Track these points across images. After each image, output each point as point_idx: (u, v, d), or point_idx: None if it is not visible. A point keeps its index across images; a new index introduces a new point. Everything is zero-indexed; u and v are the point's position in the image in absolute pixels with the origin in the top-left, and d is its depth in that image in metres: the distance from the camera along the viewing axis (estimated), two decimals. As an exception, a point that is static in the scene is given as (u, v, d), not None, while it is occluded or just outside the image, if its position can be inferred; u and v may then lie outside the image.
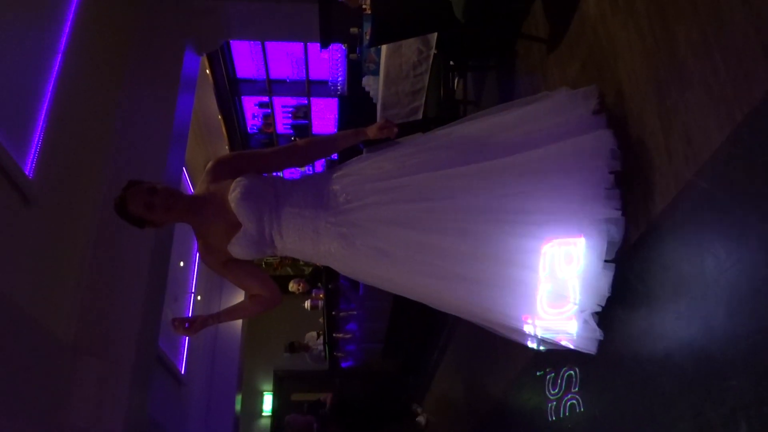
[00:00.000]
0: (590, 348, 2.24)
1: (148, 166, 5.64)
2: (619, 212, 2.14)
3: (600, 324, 2.21)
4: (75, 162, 5.14)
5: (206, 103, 9.11)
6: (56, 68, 4.87)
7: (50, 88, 4.78)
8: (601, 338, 2.22)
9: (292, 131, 10.26)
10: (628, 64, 2.29)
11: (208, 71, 8.63)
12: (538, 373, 3.17)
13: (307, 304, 8.90)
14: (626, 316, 2.23)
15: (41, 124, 4.64)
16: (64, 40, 4.99)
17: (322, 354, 8.68)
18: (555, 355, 2.88)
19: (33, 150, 4.53)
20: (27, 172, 4.41)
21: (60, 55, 4.92)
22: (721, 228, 1.74)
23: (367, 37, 4.54)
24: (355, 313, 7.73)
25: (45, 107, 4.71)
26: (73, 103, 5.07)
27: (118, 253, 5.22)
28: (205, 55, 7.92)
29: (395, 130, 2.37)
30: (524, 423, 3.68)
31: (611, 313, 2.21)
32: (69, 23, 5.06)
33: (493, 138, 2.32)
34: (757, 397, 1.57)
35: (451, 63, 4.17)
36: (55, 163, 4.76)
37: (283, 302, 2.59)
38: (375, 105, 5.05)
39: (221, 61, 8.68)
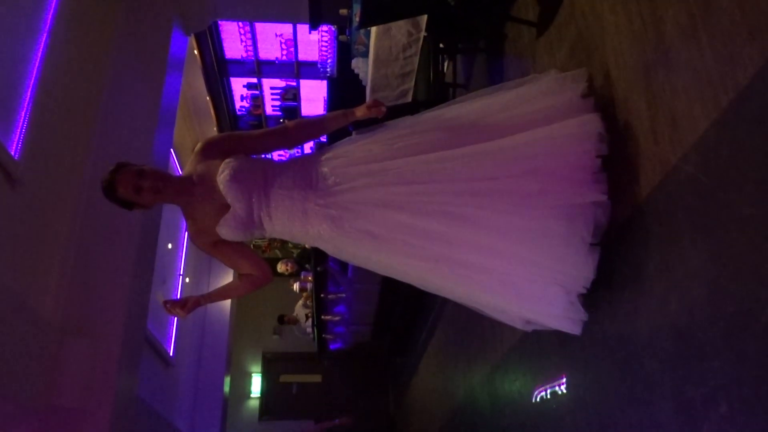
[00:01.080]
0: (575, 329, 2.28)
1: (135, 148, 5.60)
2: (606, 196, 2.16)
3: (585, 305, 2.24)
4: (61, 143, 5.09)
5: (194, 84, 9.03)
6: (41, 48, 4.80)
7: (35, 68, 4.72)
8: (586, 319, 2.26)
9: (281, 113, 10.21)
10: (617, 48, 2.30)
11: (196, 51, 8.54)
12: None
13: (296, 286, 8.95)
14: (611, 297, 2.26)
15: (27, 104, 4.58)
16: (49, 18, 4.92)
17: (310, 328, 8.77)
18: (540, 337, 2.92)
19: (18, 131, 4.48)
20: (12, 153, 4.37)
21: (45, 35, 4.85)
22: (704, 212, 1.77)
23: (357, 19, 4.51)
24: (343, 295, 7.77)
25: (30, 87, 4.65)
26: (59, 84, 5.01)
27: (105, 234, 5.20)
28: (192, 35, 7.83)
29: (383, 109, 2.37)
30: (510, 403, 3.73)
31: (596, 294, 2.24)
32: (54, 1, 4.99)
33: (482, 121, 2.33)
34: (737, 377, 1.61)
35: (441, 45, 4.15)
36: (41, 144, 4.72)
37: (271, 283, 2.60)
38: (364, 87, 5.03)
39: (209, 42, 8.59)
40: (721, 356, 1.66)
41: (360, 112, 2.36)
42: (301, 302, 9.33)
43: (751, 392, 1.55)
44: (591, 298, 2.23)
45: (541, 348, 3.08)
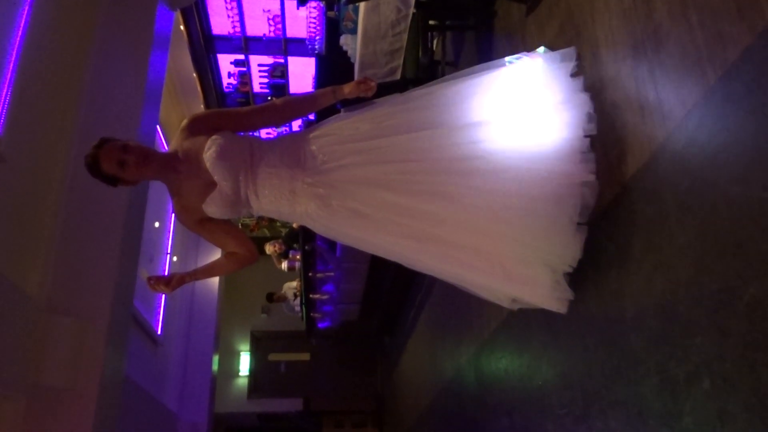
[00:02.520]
0: (561, 308, 2.29)
1: (121, 124, 5.52)
2: (594, 176, 2.16)
3: (571, 284, 2.25)
4: (45, 120, 5.02)
5: (181, 60, 8.91)
6: (23, 22, 4.70)
7: (17, 43, 4.62)
8: (572, 298, 2.27)
9: (269, 90, 10.11)
10: (606, 25, 2.28)
11: (182, 27, 8.42)
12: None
13: (284, 265, 8.95)
14: (597, 276, 2.28)
15: (9, 81, 4.50)
16: (30, -8, 4.82)
17: (298, 307, 8.82)
18: (526, 316, 2.94)
19: (1, 108, 4.41)
20: (-5, 130, 4.31)
21: (27, 8, 4.75)
22: (691, 190, 1.77)
23: (346, -5, 4.46)
24: (332, 274, 7.78)
25: (12, 63, 4.56)
26: (42, 59, 4.92)
27: (91, 211, 5.14)
28: (178, 10, 7.70)
29: (373, 87, 2.35)
30: (496, 380, 3.77)
31: (583, 273, 2.25)
32: (36, -26, 4.87)
33: (471, 100, 2.31)
34: (720, 354, 1.62)
35: (430, 23, 4.12)
36: (25, 121, 4.64)
37: (259, 262, 2.59)
38: (353, 65, 4.98)
39: (196, 17, 8.46)
40: (705, 333, 1.68)
41: (348, 89, 2.34)
42: (294, 284, 9.36)
43: (733, 368, 1.57)
44: (577, 277, 2.25)
45: (527, 326, 3.10)
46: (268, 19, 9.01)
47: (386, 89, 3.61)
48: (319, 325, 8.75)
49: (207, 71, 9.39)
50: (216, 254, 10.40)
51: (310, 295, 7.90)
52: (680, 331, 1.79)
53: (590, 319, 2.35)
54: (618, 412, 2.16)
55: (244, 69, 9.78)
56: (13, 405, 4.50)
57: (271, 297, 9.72)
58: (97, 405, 4.72)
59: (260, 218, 11.21)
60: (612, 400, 2.20)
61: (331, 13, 6.52)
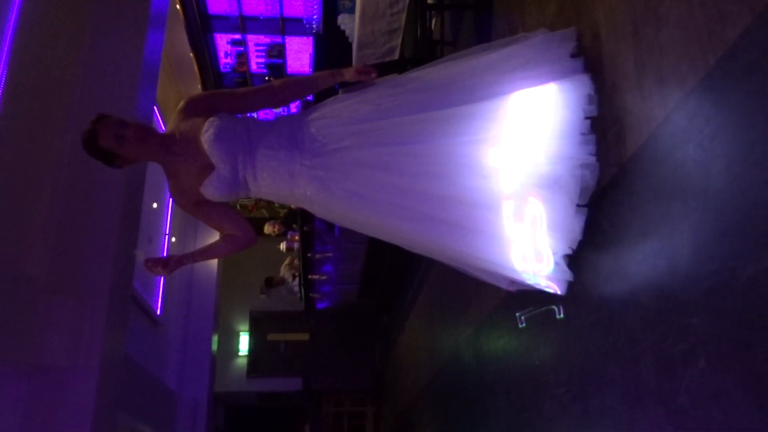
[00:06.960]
0: (560, 289, 2.31)
1: (117, 104, 5.49)
2: (594, 158, 2.16)
3: (570, 265, 2.26)
4: (42, 100, 4.99)
5: (177, 40, 8.84)
6: (18, 1, 4.66)
7: (12, 21, 4.58)
8: (571, 279, 2.28)
9: (266, 70, 10.04)
10: (606, 5, 2.26)
11: (178, 6, 8.34)
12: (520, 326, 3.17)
13: (283, 246, 8.99)
14: (595, 256, 2.29)
15: (4, 60, 4.47)
16: (25, -29, 4.76)
17: (297, 288, 8.86)
18: (525, 296, 2.95)
19: (-3, 87, 4.38)
20: (-8, 110, 4.28)
21: (21, -13, 4.70)
22: (689, 171, 1.77)
23: (343, -27, 4.41)
24: (330, 255, 7.81)
25: (7, 42, 4.52)
26: (38, 39, 4.88)
27: (89, 192, 5.14)
28: (174, -11, 7.63)
29: (374, 75, 2.33)
30: (494, 360, 3.80)
31: (581, 254, 2.26)
32: (29, -48, 4.81)
33: (470, 81, 2.30)
34: (716, 333, 1.64)
35: (429, 2, 4.08)
36: (22, 101, 4.62)
37: (258, 243, 2.59)
38: (351, 44, 4.95)
39: (192, -4, 8.38)
40: (702, 313, 1.70)
41: (348, 74, 2.32)
42: (287, 262, 9.38)
43: (729, 347, 1.59)
44: (576, 258, 2.26)
45: (524, 307, 3.12)
46: (265, -3, 8.92)
47: (385, 69, 3.59)
48: (318, 306, 8.80)
49: (204, 51, 9.32)
50: (215, 235, 10.46)
51: (309, 276, 7.94)
52: (676, 310, 1.81)
53: (588, 300, 2.36)
54: (614, 390, 2.18)
55: (242, 48, 9.71)
56: (14, 385, 4.54)
57: (270, 281, 9.69)
58: (98, 384, 4.76)
59: (258, 199, 11.21)
60: (608, 378, 2.22)
61: (328, -8, 6.46)
